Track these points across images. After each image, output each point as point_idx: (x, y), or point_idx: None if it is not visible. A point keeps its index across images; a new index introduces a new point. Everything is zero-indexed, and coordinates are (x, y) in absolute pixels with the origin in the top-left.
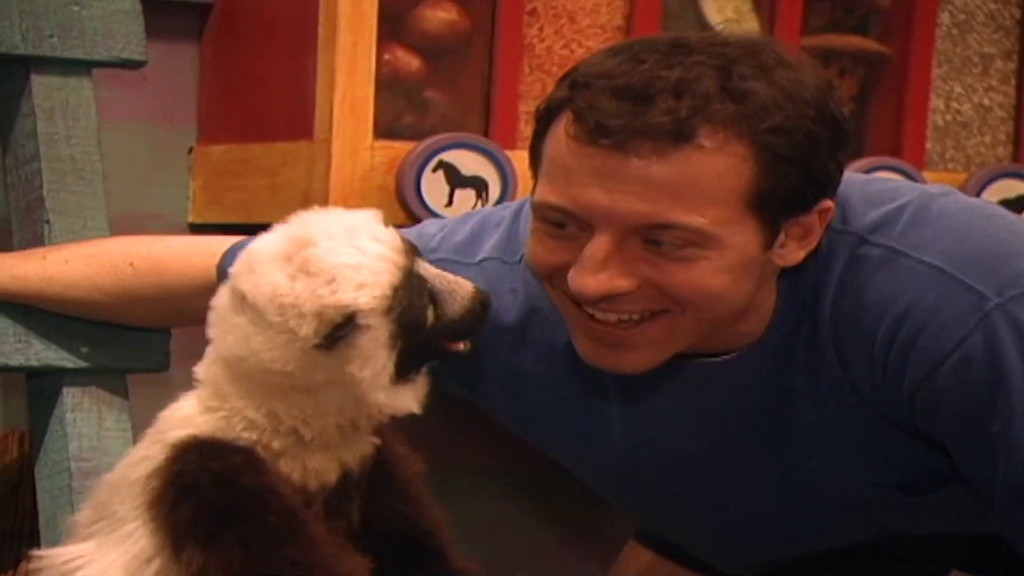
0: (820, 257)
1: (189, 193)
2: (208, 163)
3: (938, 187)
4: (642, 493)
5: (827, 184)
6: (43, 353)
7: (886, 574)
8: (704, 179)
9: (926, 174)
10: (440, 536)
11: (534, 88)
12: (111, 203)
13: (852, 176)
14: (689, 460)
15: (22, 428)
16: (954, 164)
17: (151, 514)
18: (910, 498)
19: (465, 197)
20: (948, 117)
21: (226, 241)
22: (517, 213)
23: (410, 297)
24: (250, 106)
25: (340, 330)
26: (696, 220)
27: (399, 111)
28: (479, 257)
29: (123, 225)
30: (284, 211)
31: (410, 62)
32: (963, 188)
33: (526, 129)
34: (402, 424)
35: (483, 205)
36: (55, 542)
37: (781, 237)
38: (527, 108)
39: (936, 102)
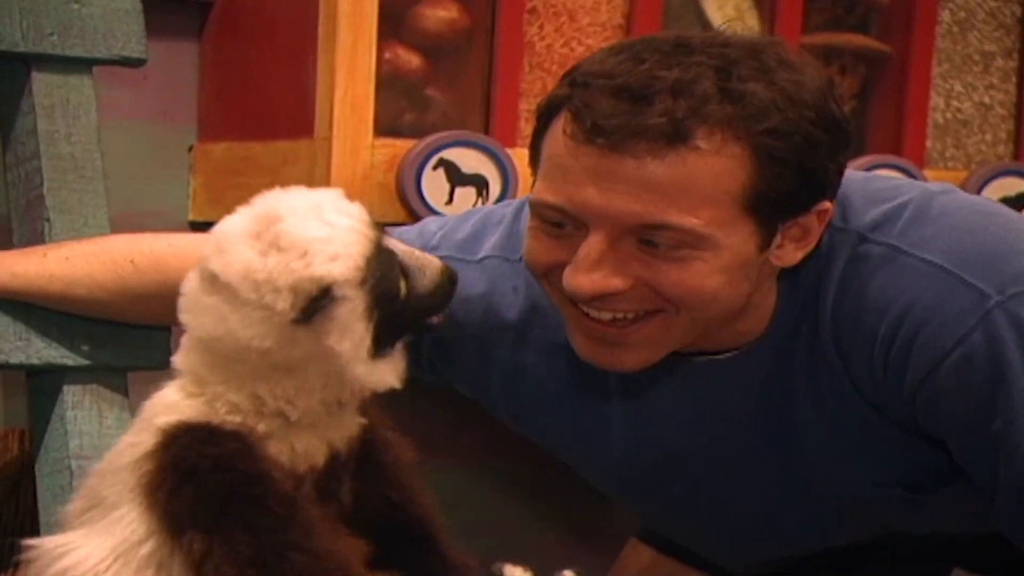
0: (820, 256)
1: (190, 191)
2: (209, 161)
3: (939, 185)
4: (642, 492)
5: (826, 186)
6: (44, 351)
7: (886, 574)
8: (699, 180)
9: (927, 172)
10: (432, 525)
11: (534, 86)
12: (112, 201)
13: (852, 174)
14: (689, 459)
15: (22, 426)
16: (954, 162)
17: (146, 499)
18: (911, 497)
19: (465, 195)
20: (948, 115)
21: None
22: (518, 211)
23: (383, 269)
24: (251, 104)
25: (316, 303)
26: (691, 221)
27: (399, 109)
28: (480, 255)
29: (124, 223)
30: None
31: (410, 60)
32: (964, 186)
33: (526, 127)
34: (402, 423)
35: (483, 203)
36: None
37: (778, 238)
38: (527, 106)
39: (936, 100)
